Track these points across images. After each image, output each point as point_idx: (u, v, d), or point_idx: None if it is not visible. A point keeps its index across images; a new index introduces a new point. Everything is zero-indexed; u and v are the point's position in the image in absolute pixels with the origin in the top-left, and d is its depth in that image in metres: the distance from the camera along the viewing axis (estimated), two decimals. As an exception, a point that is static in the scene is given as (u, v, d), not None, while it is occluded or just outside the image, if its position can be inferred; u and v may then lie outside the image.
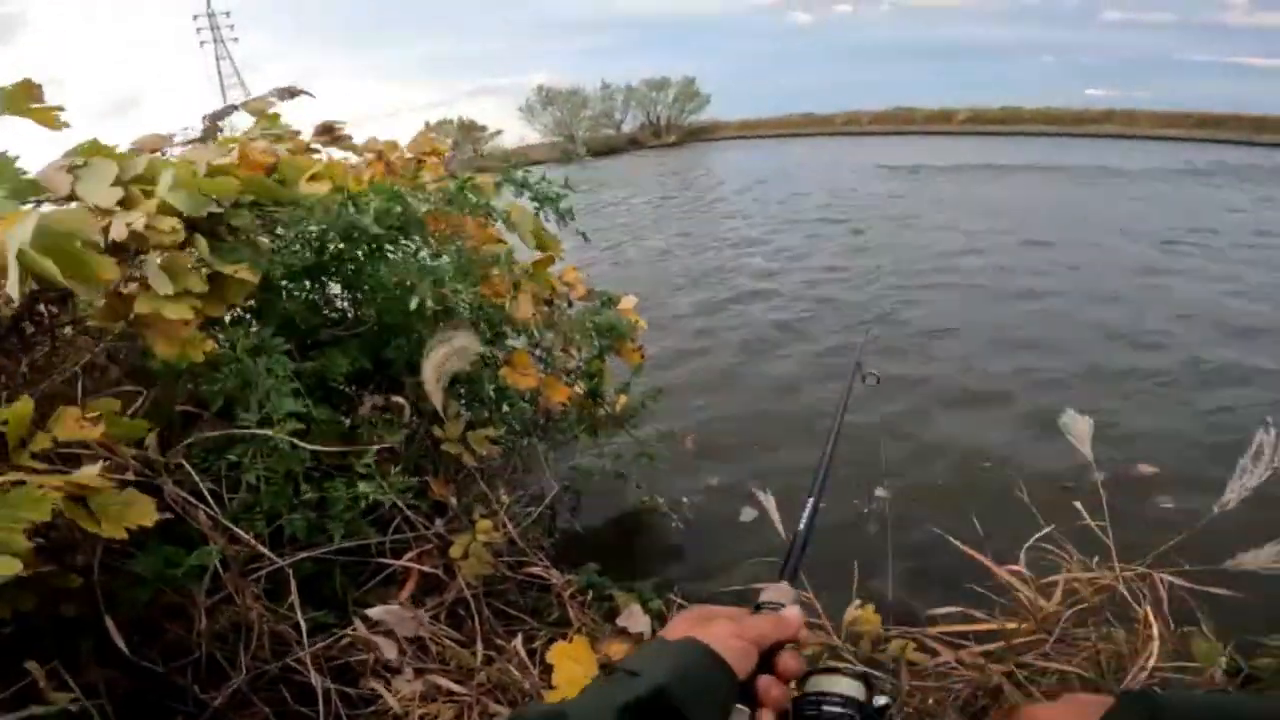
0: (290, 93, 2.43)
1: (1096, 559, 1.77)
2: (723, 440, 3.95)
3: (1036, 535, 1.82)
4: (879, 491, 3.25)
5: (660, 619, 2.09)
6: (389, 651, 1.33)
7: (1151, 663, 1.50)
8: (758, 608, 0.60)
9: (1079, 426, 1.67)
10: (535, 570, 2.07)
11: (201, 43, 34.19)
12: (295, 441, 1.26)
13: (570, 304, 2.52)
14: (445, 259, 1.94)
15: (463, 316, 2.07)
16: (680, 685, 0.45)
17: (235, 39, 34.08)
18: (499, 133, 31.06)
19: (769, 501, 1.80)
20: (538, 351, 2.46)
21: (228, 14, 34.34)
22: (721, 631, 0.51)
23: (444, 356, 1.48)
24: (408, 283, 1.66)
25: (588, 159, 26.39)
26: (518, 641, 1.76)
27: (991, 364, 4.94)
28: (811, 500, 0.75)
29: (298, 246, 1.68)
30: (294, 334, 1.70)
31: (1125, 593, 1.65)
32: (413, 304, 1.60)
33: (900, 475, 3.41)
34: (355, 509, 1.40)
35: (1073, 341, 5.27)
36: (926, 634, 1.77)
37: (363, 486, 1.37)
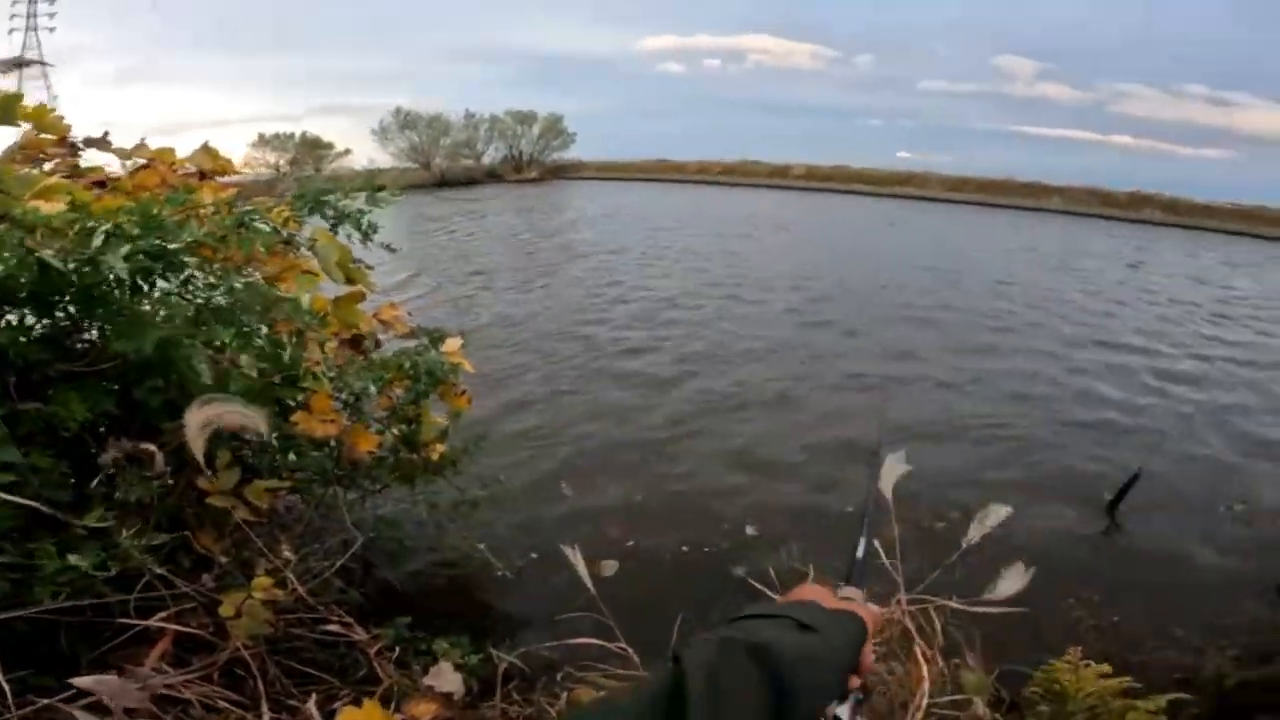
0: (18, 64, 2.08)
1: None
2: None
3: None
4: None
5: (477, 676, 1.98)
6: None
7: (925, 701, 1.58)
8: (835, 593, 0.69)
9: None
10: (332, 626, 1.89)
11: (11, 30, 28.45)
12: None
13: (378, 344, 2.35)
14: (219, 295, 1.73)
15: (245, 358, 1.86)
16: (850, 656, 0.55)
17: (52, 29, 28.71)
18: (347, 152, 29.19)
19: (576, 558, 1.80)
20: (343, 395, 2.27)
21: (51, 1, 28.88)
22: (865, 612, 0.61)
23: (212, 415, 1.30)
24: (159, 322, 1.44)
25: (445, 190, 25.60)
26: (312, 703, 1.59)
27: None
28: (866, 519, 0.99)
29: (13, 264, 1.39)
30: (6, 370, 1.41)
31: (910, 627, 1.81)
32: (148, 345, 1.39)
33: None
34: (74, 572, 1.17)
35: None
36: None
37: (73, 559, 1.14)
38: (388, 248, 2.08)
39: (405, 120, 29.94)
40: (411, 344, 2.59)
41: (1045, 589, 1.62)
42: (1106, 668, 1.65)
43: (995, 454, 4.56)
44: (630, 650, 1.91)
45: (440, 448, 2.62)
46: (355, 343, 2.15)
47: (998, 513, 1.55)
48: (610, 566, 3.16)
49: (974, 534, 1.60)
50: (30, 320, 1.69)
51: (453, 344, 2.65)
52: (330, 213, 1.93)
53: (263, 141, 27.95)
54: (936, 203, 23.29)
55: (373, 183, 2.12)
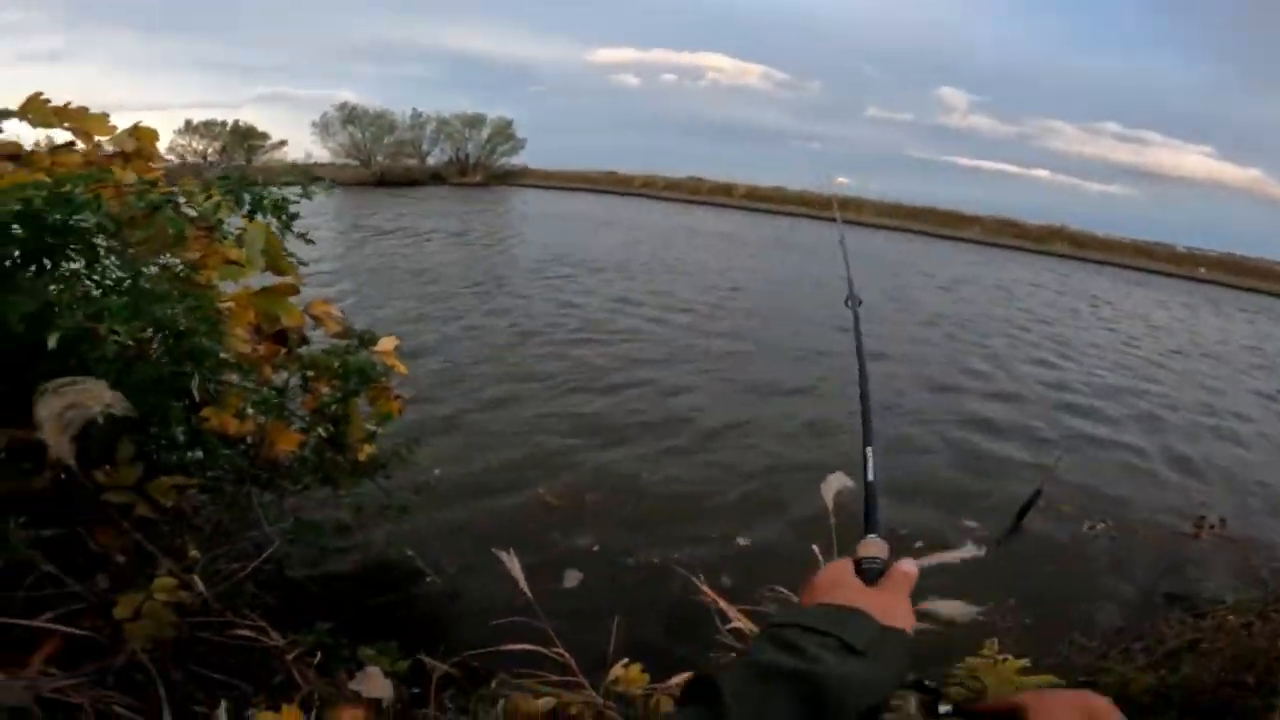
0: None
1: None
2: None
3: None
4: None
5: (408, 680, 1.92)
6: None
7: None
8: (858, 563, 0.61)
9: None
10: (244, 631, 1.79)
11: None
12: None
13: (305, 340, 2.27)
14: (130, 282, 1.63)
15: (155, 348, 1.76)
16: (898, 682, 0.49)
17: None
18: (282, 144, 27.84)
19: (513, 563, 1.78)
20: (264, 390, 2.17)
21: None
22: (907, 614, 0.54)
23: (63, 407, 1.21)
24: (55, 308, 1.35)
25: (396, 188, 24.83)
26: (222, 709, 1.52)
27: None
28: (870, 448, 0.76)
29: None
30: None
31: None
32: (50, 341, 1.30)
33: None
34: None
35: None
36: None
37: None
38: (304, 237, 2.01)
39: (349, 115, 28.92)
40: (343, 344, 2.51)
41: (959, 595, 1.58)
42: (1025, 661, 1.65)
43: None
44: (568, 656, 1.88)
45: (368, 449, 2.54)
46: (280, 337, 2.06)
47: (968, 550, 1.45)
48: (573, 577, 3.15)
49: (940, 558, 1.46)
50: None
51: (386, 344, 2.58)
52: (247, 198, 1.85)
53: (190, 129, 26.28)
54: (867, 228, 24.42)
55: (308, 173, 2.06)
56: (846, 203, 27.89)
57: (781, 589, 2.16)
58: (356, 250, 12.23)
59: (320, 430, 2.38)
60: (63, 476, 1.52)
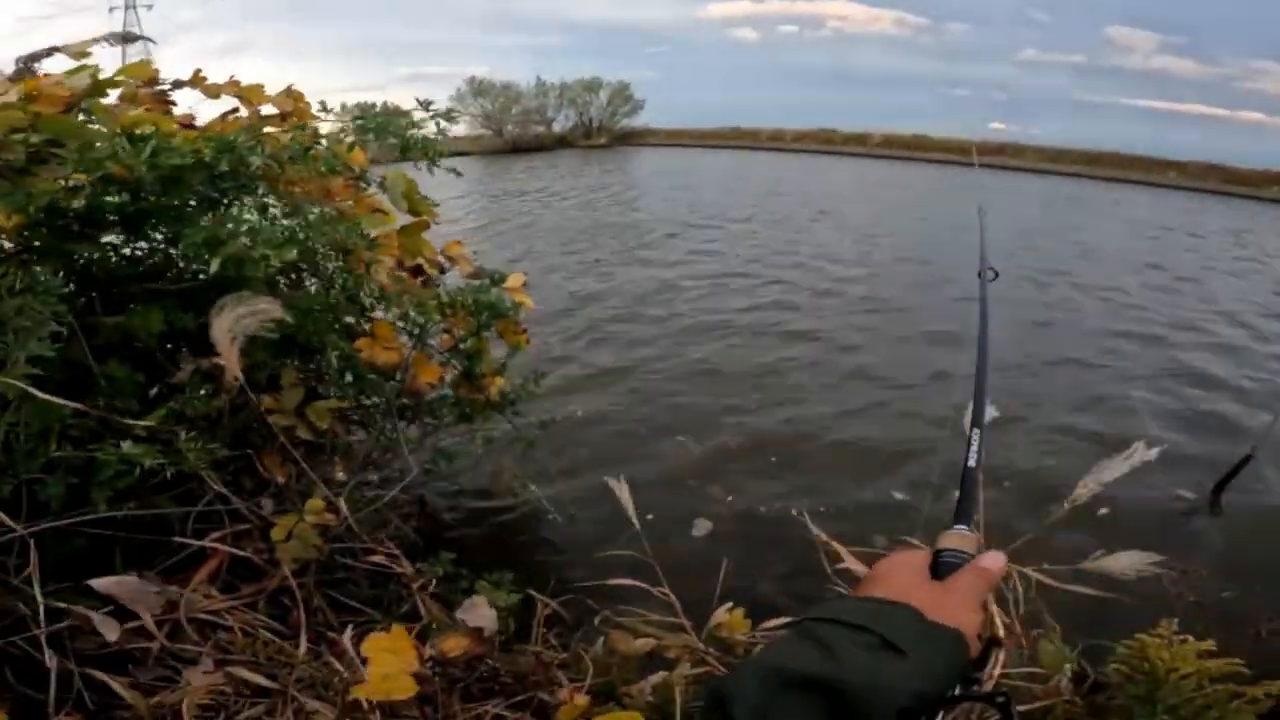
0: (124, 38, 2.17)
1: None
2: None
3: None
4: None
5: (516, 617, 1.99)
6: (109, 633, 1.15)
7: (998, 670, 1.42)
8: (937, 555, 0.55)
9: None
10: (378, 559, 1.92)
11: (111, 9, 30.80)
12: (31, 390, 1.07)
13: (440, 278, 2.37)
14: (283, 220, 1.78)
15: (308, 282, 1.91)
16: (945, 685, 0.43)
17: (149, 5, 30.83)
18: (433, 116, 29.95)
19: (623, 491, 1.75)
20: (403, 326, 2.32)
21: (144, -23, 31.11)
22: (968, 612, 0.48)
23: (237, 318, 1.32)
24: (225, 240, 1.49)
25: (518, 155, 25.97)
26: (348, 634, 1.58)
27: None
28: (977, 431, 0.66)
29: (95, 188, 1.47)
30: (93, 285, 1.50)
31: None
32: (213, 265, 1.44)
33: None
34: (130, 476, 1.22)
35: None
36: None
37: (127, 447, 1.18)
38: (455, 171, 2.08)
39: (479, 88, 30.42)
40: (475, 283, 2.61)
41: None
42: (1209, 644, 1.37)
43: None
44: (673, 596, 1.84)
45: (499, 382, 2.65)
46: (417, 272, 2.18)
47: (1144, 453, 1.27)
48: (703, 526, 3.11)
49: (1113, 471, 1.35)
50: (118, 241, 1.79)
51: (515, 280, 2.64)
52: (393, 140, 1.94)
53: (345, 112, 28.99)
54: (1032, 174, 21.52)
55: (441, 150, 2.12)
56: (1004, 148, 24.82)
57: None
58: (496, 206, 12.97)
59: (455, 364, 2.50)
60: (236, 400, 1.69)
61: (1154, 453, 1.29)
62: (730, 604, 1.77)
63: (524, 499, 3.07)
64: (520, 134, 29.73)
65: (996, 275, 0.99)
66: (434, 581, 1.93)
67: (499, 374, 2.64)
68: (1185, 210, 15.99)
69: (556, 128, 31.51)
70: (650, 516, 2.90)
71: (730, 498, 3.30)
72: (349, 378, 1.98)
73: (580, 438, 3.80)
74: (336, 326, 1.93)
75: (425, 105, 2.01)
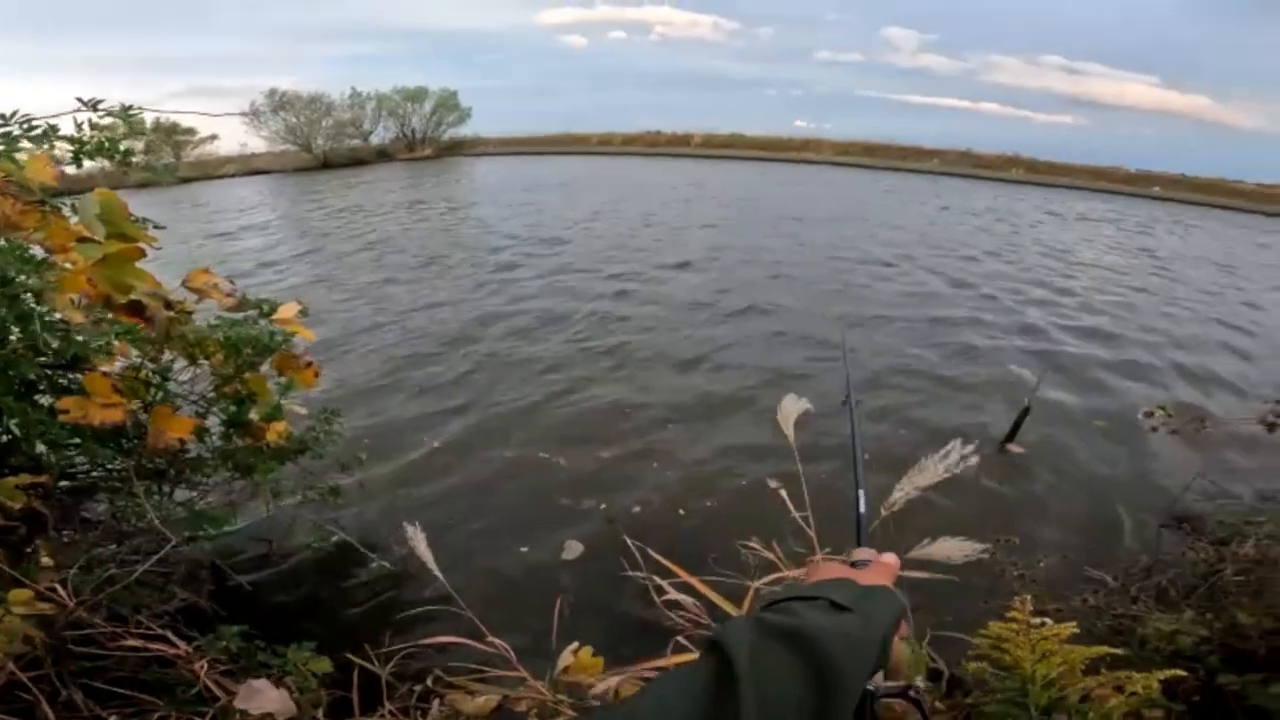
0: None
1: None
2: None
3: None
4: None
5: (325, 682, 1.76)
6: None
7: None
8: (851, 563, 0.73)
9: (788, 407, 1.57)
10: (133, 641, 1.61)
11: None
12: None
13: (171, 307, 2.02)
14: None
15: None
16: (887, 630, 0.54)
17: None
18: (213, 137, 26.46)
19: (418, 538, 1.59)
20: (144, 374, 1.96)
21: None
22: (893, 564, 0.70)
23: None
24: None
25: (334, 170, 23.87)
26: None
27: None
28: (862, 492, 0.93)
29: None
30: None
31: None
32: None
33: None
34: None
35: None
36: (644, 672, 1.62)
37: None
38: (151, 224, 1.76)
39: (280, 101, 27.48)
40: (233, 316, 2.28)
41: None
42: (1069, 627, 1.26)
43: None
44: (502, 644, 1.67)
45: (278, 428, 2.33)
46: (136, 310, 1.82)
47: (960, 450, 1.26)
48: (574, 548, 2.97)
49: (930, 475, 1.32)
50: None
51: (286, 310, 2.34)
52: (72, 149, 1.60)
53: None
54: (827, 166, 24.12)
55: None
56: (807, 144, 27.54)
57: (754, 544, 2.00)
58: (304, 231, 11.74)
59: (218, 411, 2.17)
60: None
61: (972, 452, 1.26)
62: (576, 644, 1.67)
63: (333, 551, 2.75)
64: (334, 148, 27.35)
65: (859, 402, 1.18)
66: (234, 657, 1.66)
67: (273, 418, 2.33)
68: (953, 190, 18.84)
69: (375, 140, 29.47)
70: (477, 561, 2.75)
71: (581, 549, 3.05)
72: (40, 447, 1.61)
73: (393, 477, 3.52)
74: (18, 386, 1.55)
75: (92, 105, 1.67)
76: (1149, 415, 4.37)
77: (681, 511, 3.23)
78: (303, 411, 2.56)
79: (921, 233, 11.56)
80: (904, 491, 1.36)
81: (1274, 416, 3.07)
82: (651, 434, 4.03)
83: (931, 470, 1.31)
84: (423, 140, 29.58)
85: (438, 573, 1.60)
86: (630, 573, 2.03)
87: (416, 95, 29.80)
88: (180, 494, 2.31)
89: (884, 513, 1.35)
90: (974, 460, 1.28)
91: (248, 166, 25.02)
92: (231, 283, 2.42)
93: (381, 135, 29.79)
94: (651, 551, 2.04)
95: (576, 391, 4.67)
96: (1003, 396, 4.66)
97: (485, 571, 2.75)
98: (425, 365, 5.22)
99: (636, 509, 3.27)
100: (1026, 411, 3.98)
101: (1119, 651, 1.34)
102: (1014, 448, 3.94)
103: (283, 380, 2.39)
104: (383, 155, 27.87)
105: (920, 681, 1.44)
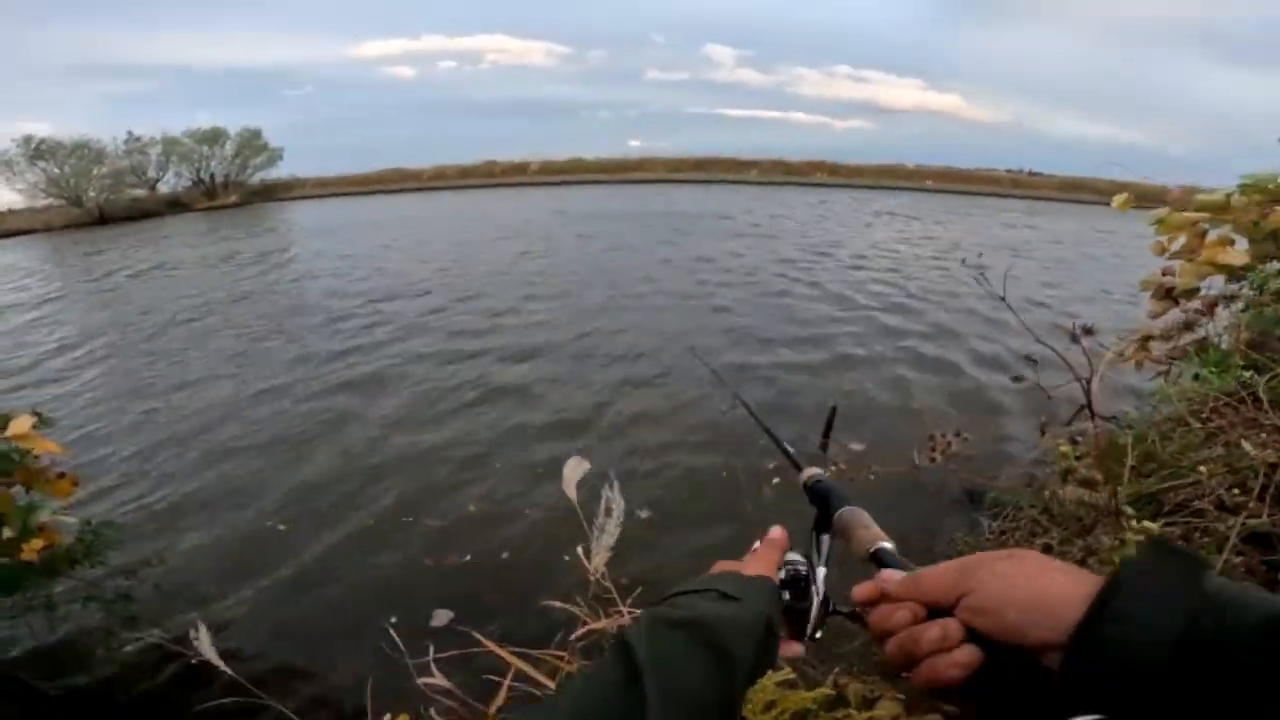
0: None
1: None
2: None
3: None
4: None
5: None
6: None
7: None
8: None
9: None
10: None
11: None
12: None
13: None
14: None
15: None
16: (771, 611, 0.58)
17: None
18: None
19: (203, 638, 1.47)
20: None
21: None
22: (769, 567, 0.64)
23: None
24: None
25: (110, 226, 20.63)
26: None
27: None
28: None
29: None
30: None
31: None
32: None
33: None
34: None
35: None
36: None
37: None
38: None
39: (36, 150, 23.35)
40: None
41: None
42: (785, 673, 1.30)
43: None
44: None
45: (36, 545, 2.05)
46: None
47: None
48: (443, 616, 2.75)
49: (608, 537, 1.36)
50: None
51: (19, 425, 2.05)
52: None
53: None
54: (662, 184, 25.46)
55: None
56: (642, 163, 28.88)
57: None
58: (80, 303, 9.97)
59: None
60: None
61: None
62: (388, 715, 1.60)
63: (137, 654, 2.39)
64: (112, 200, 23.71)
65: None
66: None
67: (26, 539, 2.02)
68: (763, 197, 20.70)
69: (165, 189, 26.06)
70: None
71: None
72: None
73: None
74: None
75: None
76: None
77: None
78: (72, 522, 2.27)
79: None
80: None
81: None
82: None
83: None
84: (225, 186, 26.70)
85: (224, 666, 1.49)
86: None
87: (212, 137, 26.90)
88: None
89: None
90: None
91: (2, 226, 20.97)
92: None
93: (173, 183, 26.51)
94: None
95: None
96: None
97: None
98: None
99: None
100: (835, 410, 4.48)
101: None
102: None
103: (32, 495, 2.10)
104: (176, 205, 24.70)
105: None
